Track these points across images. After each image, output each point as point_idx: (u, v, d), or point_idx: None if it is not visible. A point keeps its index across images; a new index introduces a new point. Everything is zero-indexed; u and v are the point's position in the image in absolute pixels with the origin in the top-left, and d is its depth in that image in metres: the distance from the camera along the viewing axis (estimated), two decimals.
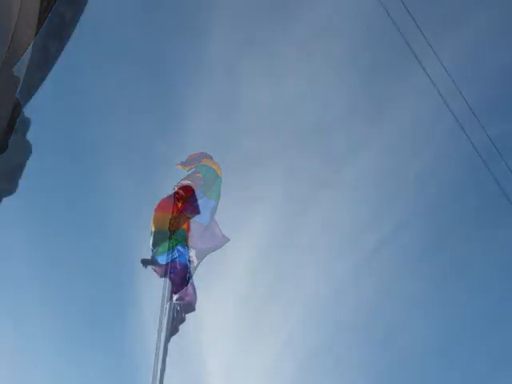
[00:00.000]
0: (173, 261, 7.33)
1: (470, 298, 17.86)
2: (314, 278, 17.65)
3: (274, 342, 16.98)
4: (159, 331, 6.79)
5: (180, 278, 7.22)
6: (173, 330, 6.94)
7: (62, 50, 3.20)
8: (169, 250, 7.36)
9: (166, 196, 7.72)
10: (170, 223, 7.40)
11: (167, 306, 7.01)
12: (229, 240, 7.50)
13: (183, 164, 7.73)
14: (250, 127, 16.68)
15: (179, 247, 7.39)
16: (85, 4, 4.65)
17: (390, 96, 16.67)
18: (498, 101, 16.77)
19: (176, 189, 7.71)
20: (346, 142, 17.19)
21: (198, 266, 7.37)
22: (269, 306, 17.68)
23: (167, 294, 7.17)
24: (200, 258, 7.39)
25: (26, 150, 4.60)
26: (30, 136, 4.99)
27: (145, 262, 7.26)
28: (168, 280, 7.21)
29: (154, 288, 7.13)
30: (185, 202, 7.54)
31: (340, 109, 16.82)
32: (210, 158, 7.93)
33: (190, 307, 7.20)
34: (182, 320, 7.10)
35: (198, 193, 7.53)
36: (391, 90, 16.69)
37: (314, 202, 17.39)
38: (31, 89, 3.18)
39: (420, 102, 15.82)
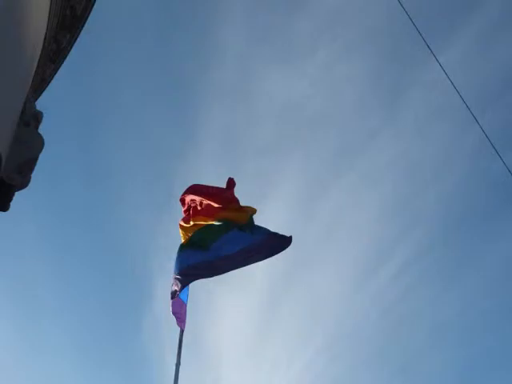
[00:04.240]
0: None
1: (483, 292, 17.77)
2: (331, 271, 17.60)
3: (286, 338, 16.99)
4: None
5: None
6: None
7: (73, 44, 3.22)
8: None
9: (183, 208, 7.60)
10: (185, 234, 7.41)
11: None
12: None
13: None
14: (264, 118, 16.63)
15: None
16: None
17: (403, 86, 16.57)
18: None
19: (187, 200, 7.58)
20: (361, 130, 17.11)
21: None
22: (284, 299, 17.65)
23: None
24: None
25: (39, 144, 4.64)
26: (42, 131, 5.02)
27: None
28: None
29: (168, 285, 7.14)
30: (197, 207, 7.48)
31: (354, 98, 16.74)
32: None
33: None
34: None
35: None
36: (405, 79, 16.57)
37: (329, 190, 17.33)
38: (43, 82, 3.21)
39: (432, 92, 15.71)
